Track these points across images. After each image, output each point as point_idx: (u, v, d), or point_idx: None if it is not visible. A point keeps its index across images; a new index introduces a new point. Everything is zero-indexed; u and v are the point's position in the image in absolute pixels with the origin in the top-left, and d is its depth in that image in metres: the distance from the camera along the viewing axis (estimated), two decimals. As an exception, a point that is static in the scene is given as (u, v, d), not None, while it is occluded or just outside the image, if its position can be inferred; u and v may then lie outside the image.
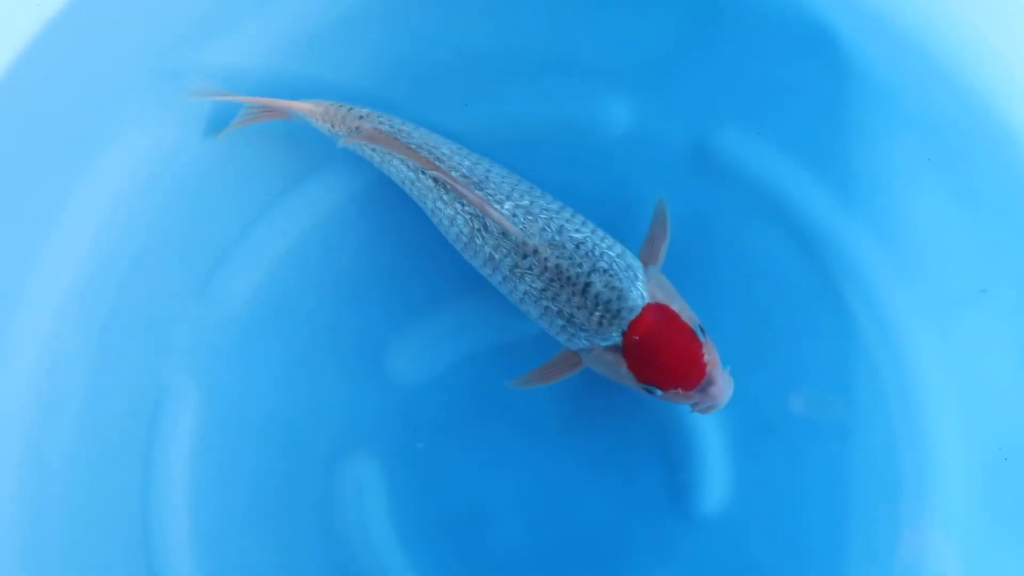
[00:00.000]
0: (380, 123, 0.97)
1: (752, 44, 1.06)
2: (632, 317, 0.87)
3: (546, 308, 0.90)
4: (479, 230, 0.91)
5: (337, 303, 1.05)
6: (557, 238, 0.89)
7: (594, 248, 0.89)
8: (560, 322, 0.90)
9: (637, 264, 0.91)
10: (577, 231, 0.90)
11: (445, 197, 0.92)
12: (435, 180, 0.92)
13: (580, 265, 0.88)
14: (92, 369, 1.03)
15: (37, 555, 1.01)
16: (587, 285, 0.88)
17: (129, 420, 1.03)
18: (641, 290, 0.89)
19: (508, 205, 0.90)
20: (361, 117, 0.98)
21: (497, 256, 0.90)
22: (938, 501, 1.00)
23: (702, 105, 1.06)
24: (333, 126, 0.99)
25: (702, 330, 0.89)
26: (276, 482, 1.03)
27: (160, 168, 1.05)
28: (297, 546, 1.02)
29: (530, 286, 0.90)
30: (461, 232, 0.92)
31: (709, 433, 1.01)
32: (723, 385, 0.87)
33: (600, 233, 0.91)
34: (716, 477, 1.01)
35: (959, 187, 1.03)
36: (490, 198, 0.90)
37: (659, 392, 0.88)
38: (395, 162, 0.95)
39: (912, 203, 1.03)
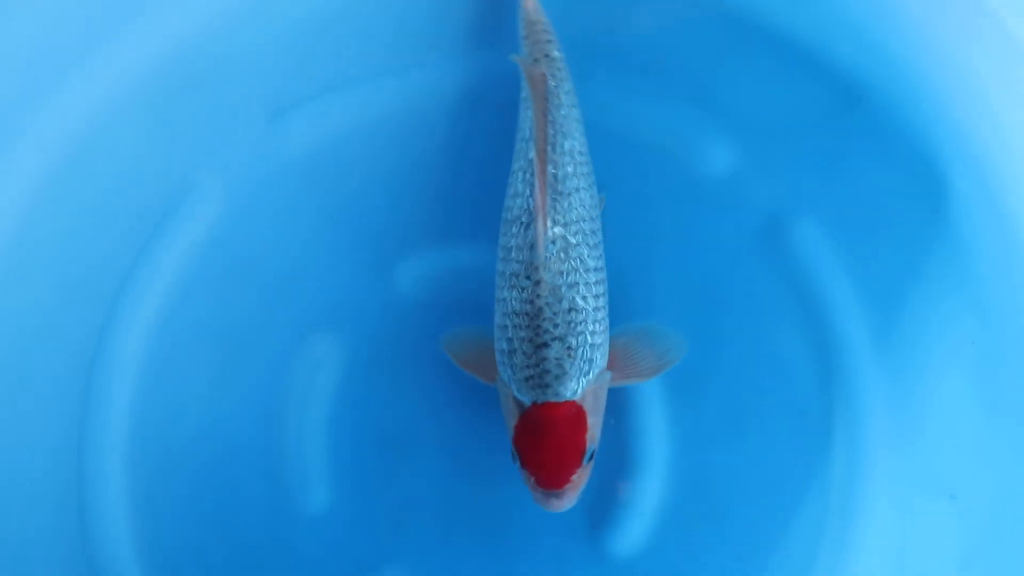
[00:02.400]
0: (553, 75, 0.93)
1: (871, 156, 1.04)
2: (551, 400, 0.85)
3: (503, 326, 0.87)
4: (521, 223, 0.88)
5: (381, 194, 1.05)
6: (562, 290, 0.85)
7: (582, 323, 0.85)
8: (503, 346, 0.87)
9: (600, 366, 0.87)
10: (583, 298, 0.86)
11: (526, 176, 0.90)
12: (533, 158, 0.89)
13: (556, 326, 0.85)
14: (133, 146, 1.03)
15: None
16: (545, 344, 0.85)
17: (152, 204, 1.03)
18: (580, 387, 0.85)
19: (558, 230, 0.87)
20: (547, 55, 0.95)
21: (513, 254, 0.88)
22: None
23: (798, 186, 1.05)
24: (526, 36, 0.97)
25: (592, 456, 0.86)
26: (246, 324, 1.03)
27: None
28: (238, 393, 1.03)
29: (509, 299, 0.87)
30: (510, 209, 0.90)
31: (652, 480, 1.02)
32: (563, 504, 0.86)
33: (602, 314, 0.88)
34: (638, 521, 1.01)
35: (988, 387, 1.02)
36: (551, 212, 0.87)
37: (517, 463, 0.86)
38: (529, 112, 0.92)
39: (937, 377, 1.02)
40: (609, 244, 0.94)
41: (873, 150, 1.05)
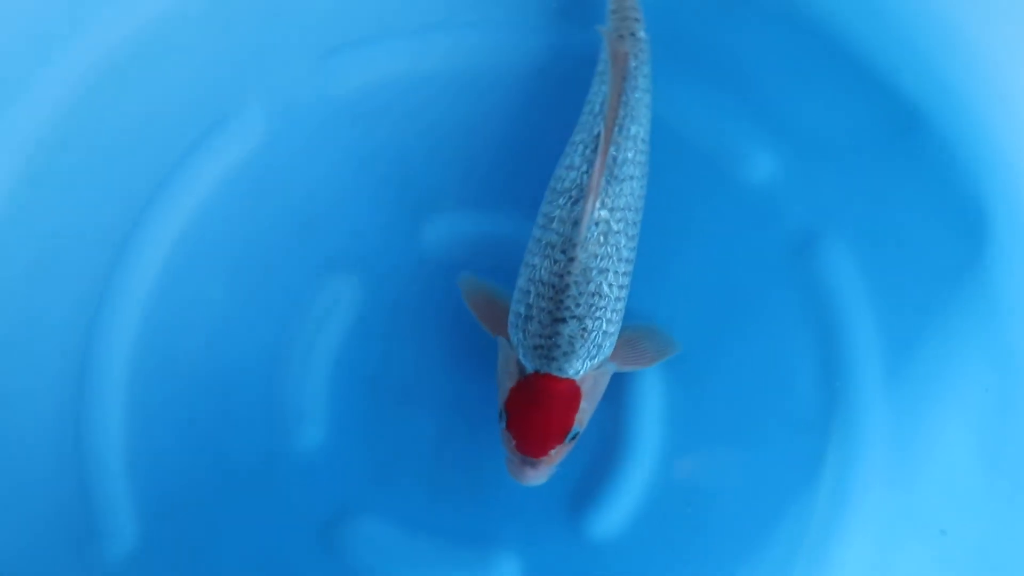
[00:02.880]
0: (635, 55, 0.92)
1: (915, 188, 1.03)
2: (553, 373, 0.86)
3: (526, 291, 0.88)
4: (570, 197, 0.88)
5: (422, 148, 1.06)
6: (593, 273, 0.86)
7: (603, 309, 0.87)
8: (521, 309, 0.88)
9: (605, 354, 0.89)
10: (609, 285, 0.87)
11: (585, 151, 0.90)
12: (598, 135, 0.88)
13: (579, 305, 0.86)
14: (183, 63, 1.05)
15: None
16: (562, 320, 0.86)
17: (194, 122, 1.05)
18: (583, 368, 0.87)
19: (604, 212, 0.87)
20: (633, 34, 0.94)
21: (554, 225, 0.88)
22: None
23: (836, 205, 1.04)
24: (615, 11, 0.96)
25: (575, 437, 0.87)
26: (268, 253, 1.04)
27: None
28: (249, 319, 1.03)
29: (539, 267, 0.88)
30: (561, 179, 0.90)
31: (639, 469, 1.01)
32: (531, 478, 0.87)
33: (621, 305, 0.89)
34: (619, 506, 1.01)
35: (992, 437, 1.01)
36: (602, 194, 0.87)
37: (503, 424, 0.88)
38: (603, 88, 0.92)
39: (943, 420, 1.01)
40: (642, 240, 0.94)
41: (918, 182, 1.04)
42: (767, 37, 1.06)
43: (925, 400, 1.01)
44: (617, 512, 1.01)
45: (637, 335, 0.94)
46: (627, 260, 0.89)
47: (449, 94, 1.06)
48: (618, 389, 1.01)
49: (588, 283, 0.86)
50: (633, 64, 0.91)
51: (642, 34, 0.95)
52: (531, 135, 1.05)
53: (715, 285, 1.04)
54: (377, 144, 1.06)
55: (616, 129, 0.88)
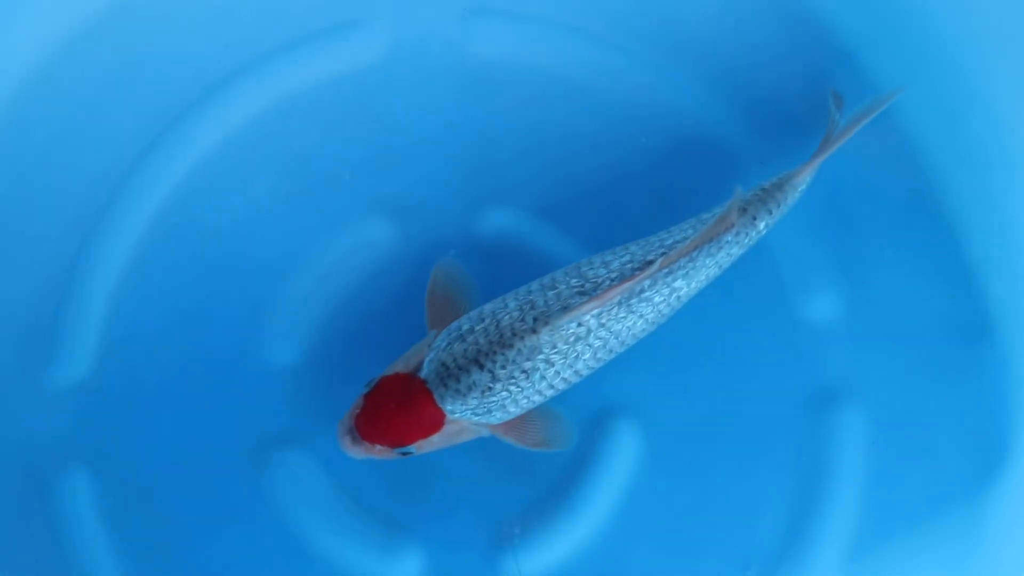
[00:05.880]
0: (737, 232, 0.89)
1: (963, 396, 1.01)
2: (435, 396, 0.86)
3: (481, 318, 0.86)
4: (581, 286, 0.86)
5: (514, 140, 1.04)
6: (538, 357, 0.84)
7: (520, 389, 0.85)
8: (465, 326, 0.87)
9: (489, 421, 0.88)
10: (542, 377, 0.85)
11: (627, 264, 0.87)
12: (648, 263, 0.86)
13: (504, 368, 0.84)
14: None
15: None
16: (479, 366, 0.84)
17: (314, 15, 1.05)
18: (458, 415, 0.86)
19: (592, 322, 0.85)
20: (755, 218, 0.91)
21: (550, 294, 0.86)
22: None
23: (877, 380, 1.01)
24: (764, 190, 0.92)
25: (404, 454, 0.88)
26: (321, 172, 1.04)
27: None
28: (285, 225, 1.03)
29: (509, 311, 0.85)
30: (590, 267, 0.88)
31: (569, 536, 1.00)
32: (346, 446, 0.88)
33: (539, 400, 0.88)
34: (540, 558, 1.00)
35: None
36: (605, 309, 0.85)
37: (366, 390, 0.89)
38: (690, 233, 0.89)
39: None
40: (675, 319, 0.93)
41: (962, 396, 1.01)
42: (879, 195, 1.04)
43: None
44: (535, 564, 1.00)
45: (536, 413, 0.93)
46: (576, 372, 0.88)
47: (568, 104, 1.04)
48: (589, 449, 1.00)
49: (527, 360, 0.84)
50: (728, 238, 0.89)
51: (761, 225, 0.92)
52: (626, 183, 1.04)
53: (719, 396, 1.01)
54: (475, 117, 1.04)
55: (665, 270, 0.86)
